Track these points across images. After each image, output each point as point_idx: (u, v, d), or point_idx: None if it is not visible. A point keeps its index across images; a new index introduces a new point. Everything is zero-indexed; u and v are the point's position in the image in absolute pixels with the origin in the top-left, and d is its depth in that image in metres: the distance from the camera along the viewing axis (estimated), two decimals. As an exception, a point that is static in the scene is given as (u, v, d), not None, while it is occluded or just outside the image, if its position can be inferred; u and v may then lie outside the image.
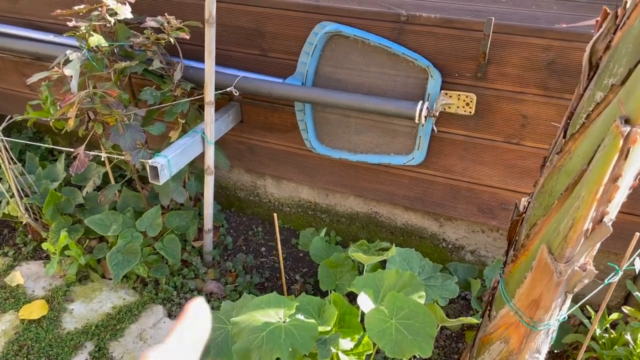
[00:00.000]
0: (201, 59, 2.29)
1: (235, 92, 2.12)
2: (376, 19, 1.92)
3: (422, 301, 1.59)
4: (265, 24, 2.11)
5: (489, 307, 1.48)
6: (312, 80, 2.11)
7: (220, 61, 2.28)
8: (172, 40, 2.03)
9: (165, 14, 2.07)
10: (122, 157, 2.12)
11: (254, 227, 2.61)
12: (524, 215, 1.35)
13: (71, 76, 1.96)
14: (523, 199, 1.44)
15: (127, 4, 2.13)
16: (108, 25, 2.11)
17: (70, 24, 2.03)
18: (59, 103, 1.93)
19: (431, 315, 1.48)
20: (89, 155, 2.02)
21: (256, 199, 2.63)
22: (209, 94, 2.02)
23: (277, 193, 2.57)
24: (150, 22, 1.99)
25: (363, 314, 1.82)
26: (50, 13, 2.53)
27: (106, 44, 2.09)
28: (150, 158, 1.96)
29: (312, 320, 1.51)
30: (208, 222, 2.30)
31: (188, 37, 2.03)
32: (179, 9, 2.24)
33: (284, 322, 1.49)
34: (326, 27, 1.97)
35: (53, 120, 2.36)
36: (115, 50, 2.22)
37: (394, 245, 1.87)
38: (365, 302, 1.57)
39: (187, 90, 2.17)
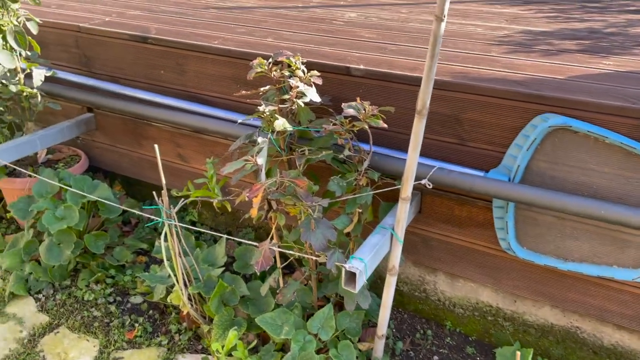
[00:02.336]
0: (387, 145, 2.11)
1: (429, 185, 1.88)
2: (616, 114, 1.64)
3: None
4: (466, 111, 1.89)
5: None
6: (521, 176, 1.85)
7: (404, 147, 2.08)
8: (366, 127, 1.85)
9: (358, 98, 1.91)
10: (309, 256, 1.92)
11: (418, 327, 2.32)
12: None
13: (262, 165, 1.81)
14: None
15: (313, 85, 2.00)
16: (293, 107, 1.97)
17: (261, 108, 1.90)
18: (246, 194, 1.77)
19: None
20: (274, 251, 1.84)
21: (422, 295, 2.36)
22: (407, 190, 1.79)
23: (449, 292, 2.28)
24: (349, 110, 1.81)
25: None
26: (215, 87, 2.46)
27: (291, 128, 1.94)
28: (344, 260, 1.74)
29: None
30: (383, 325, 2.04)
31: (386, 127, 1.85)
32: (356, 90, 2.08)
33: None
34: (550, 120, 1.72)
35: (217, 202, 2.24)
36: (292, 132, 2.08)
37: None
38: None
39: (375, 180, 1.97)
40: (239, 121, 2.20)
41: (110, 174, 3.16)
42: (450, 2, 2.79)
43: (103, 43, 2.69)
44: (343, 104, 1.85)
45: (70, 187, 2.46)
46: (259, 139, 1.83)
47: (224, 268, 2.22)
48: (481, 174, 1.90)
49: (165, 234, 1.98)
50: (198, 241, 2.44)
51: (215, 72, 2.41)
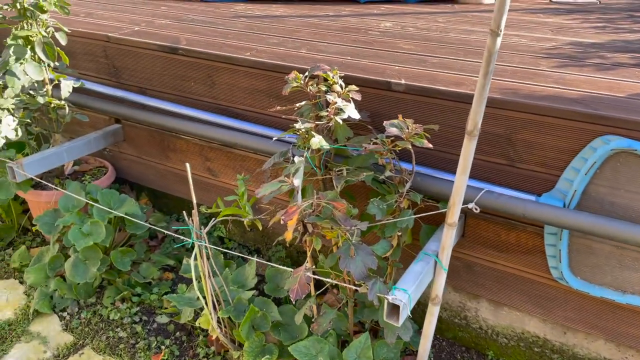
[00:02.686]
0: (429, 164, 2.00)
1: (476, 209, 1.76)
2: (689, 137, 1.50)
3: None
4: (517, 131, 1.77)
5: None
6: (577, 201, 1.71)
7: (448, 167, 1.96)
8: (409, 147, 1.74)
9: (400, 115, 1.79)
10: (348, 285, 1.81)
11: (458, 356, 2.19)
12: None
13: (298, 186, 1.71)
14: None
15: (352, 101, 1.89)
16: (330, 124, 1.87)
17: (298, 126, 1.80)
18: (282, 217, 1.67)
19: None
20: (309, 277, 1.73)
21: (462, 322, 2.22)
22: (454, 215, 1.67)
23: (492, 320, 2.14)
24: (391, 129, 1.70)
25: None
26: (246, 100, 2.37)
27: (328, 146, 1.83)
28: (386, 290, 1.63)
29: None
30: (423, 357, 1.91)
31: (432, 147, 1.73)
32: (396, 105, 1.97)
33: None
34: (612, 143, 1.58)
35: (247, 220, 2.14)
36: (328, 150, 1.98)
37: None
38: None
39: (417, 202, 1.85)
40: (275, 138, 2.11)
41: (136, 185, 3.10)
42: (491, 12, 2.69)
43: (132, 53, 2.63)
44: (385, 122, 1.74)
45: (97, 202, 2.40)
46: (296, 158, 1.73)
47: (254, 290, 2.12)
48: (533, 198, 1.77)
49: (195, 254, 1.89)
50: (227, 260, 2.35)
51: (247, 85, 2.32)
